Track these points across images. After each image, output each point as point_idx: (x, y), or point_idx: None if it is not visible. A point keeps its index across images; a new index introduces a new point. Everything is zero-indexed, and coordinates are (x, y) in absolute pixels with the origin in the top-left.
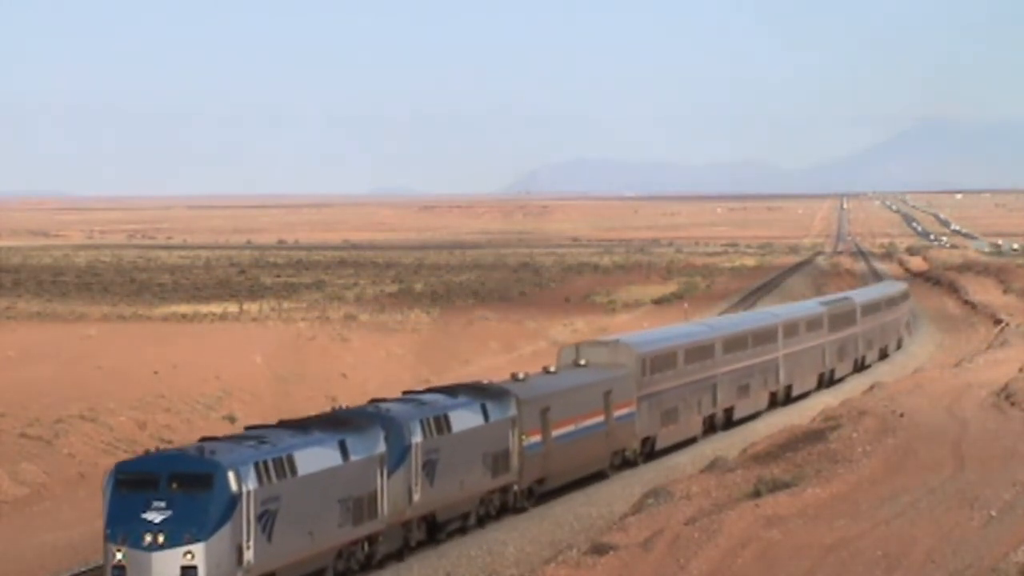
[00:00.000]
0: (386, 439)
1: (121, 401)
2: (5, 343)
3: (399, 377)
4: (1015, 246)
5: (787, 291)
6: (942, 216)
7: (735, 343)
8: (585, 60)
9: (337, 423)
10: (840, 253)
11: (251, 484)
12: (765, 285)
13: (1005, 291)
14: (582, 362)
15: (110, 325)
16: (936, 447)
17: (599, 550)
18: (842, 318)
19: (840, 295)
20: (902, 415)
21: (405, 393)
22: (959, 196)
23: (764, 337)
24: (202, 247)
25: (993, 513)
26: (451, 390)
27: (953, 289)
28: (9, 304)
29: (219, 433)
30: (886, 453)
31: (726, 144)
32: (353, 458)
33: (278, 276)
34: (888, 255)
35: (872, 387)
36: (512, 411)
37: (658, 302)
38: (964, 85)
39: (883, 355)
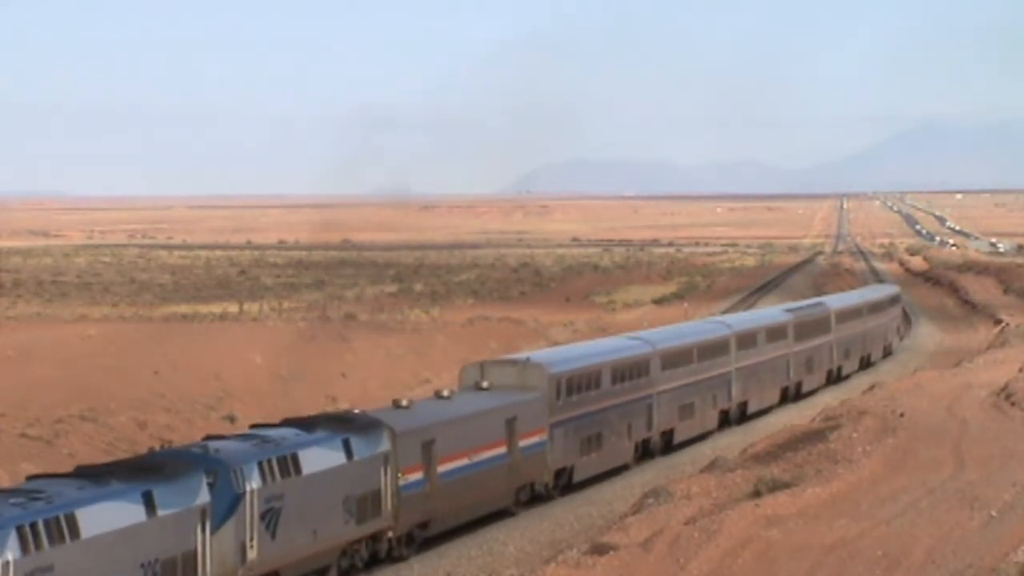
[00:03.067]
0: (211, 487)
1: (121, 401)
2: (5, 343)
3: (399, 377)
4: (1013, 245)
5: (787, 291)
6: (937, 214)
7: (676, 358)
8: (585, 60)
9: (144, 470)
10: (840, 253)
11: (11, 553)
12: (765, 285)
13: (1005, 291)
14: (484, 384)
15: (110, 325)
16: (936, 447)
17: (599, 550)
18: (812, 326)
19: (812, 301)
20: (902, 415)
21: (252, 427)
22: (959, 196)
23: (713, 350)
24: (202, 247)
25: (993, 513)
26: (308, 423)
27: (953, 289)
28: (9, 304)
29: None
30: (886, 453)
31: (726, 144)
32: (162, 512)
33: (278, 276)
34: (888, 255)
35: (872, 387)
36: (384, 446)
37: (658, 302)
38: (964, 85)
39: (865, 364)
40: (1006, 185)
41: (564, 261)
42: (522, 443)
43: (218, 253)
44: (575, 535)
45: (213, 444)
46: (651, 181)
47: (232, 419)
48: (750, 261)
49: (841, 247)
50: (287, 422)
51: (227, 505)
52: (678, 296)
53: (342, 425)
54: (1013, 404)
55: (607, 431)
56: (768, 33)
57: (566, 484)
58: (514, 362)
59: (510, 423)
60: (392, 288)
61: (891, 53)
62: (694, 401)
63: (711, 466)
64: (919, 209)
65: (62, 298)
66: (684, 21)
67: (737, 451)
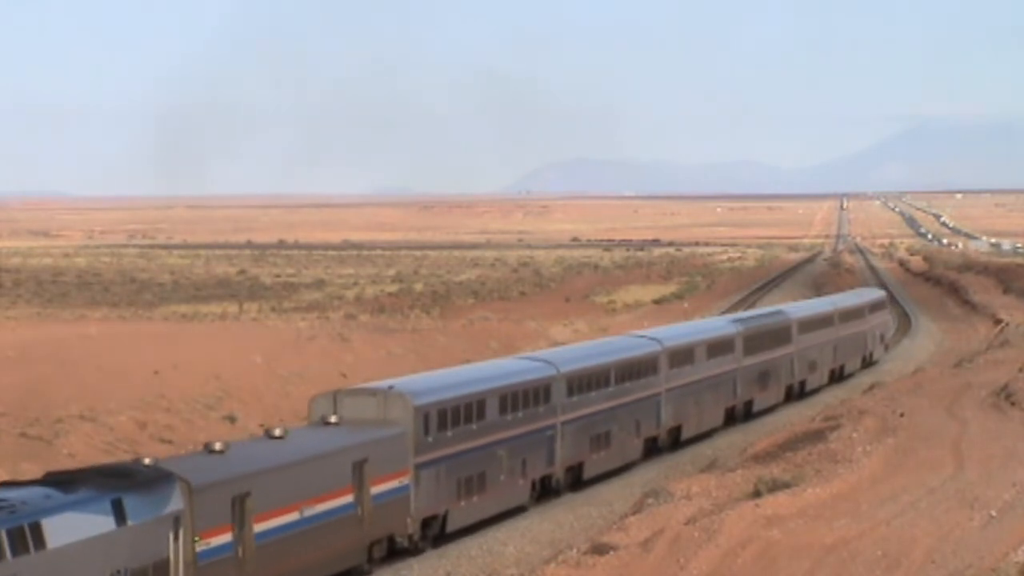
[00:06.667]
0: None
1: (121, 401)
2: (5, 343)
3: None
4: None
5: (787, 290)
6: (932, 211)
7: (587, 381)
8: (585, 59)
9: None
10: (839, 253)
11: None
12: (766, 285)
13: (1005, 291)
14: (333, 419)
15: (110, 325)
16: (936, 447)
17: (599, 550)
18: (766, 337)
19: (770, 309)
20: (902, 415)
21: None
22: (959, 196)
23: (636, 369)
24: (202, 247)
25: (993, 513)
26: (69, 480)
27: (953, 289)
28: (9, 304)
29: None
30: (886, 453)
31: (726, 144)
32: None
33: (278, 276)
34: (888, 255)
35: (872, 387)
36: (175, 504)
37: (658, 302)
38: (963, 85)
39: (838, 377)
40: (1006, 185)
41: (564, 261)
42: (375, 489)
43: (218, 253)
44: (575, 535)
45: None
46: (651, 181)
47: (232, 419)
48: (750, 261)
49: (841, 247)
50: (48, 477)
51: None
52: (678, 296)
53: (115, 481)
54: (1013, 404)
55: (493, 469)
56: (768, 32)
57: (438, 533)
58: (372, 392)
59: (359, 466)
60: (392, 288)
61: (891, 53)
62: (610, 429)
63: (711, 466)
64: (919, 209)
65: (62, 298)
66: (685, 22)
67: (737, 451)
